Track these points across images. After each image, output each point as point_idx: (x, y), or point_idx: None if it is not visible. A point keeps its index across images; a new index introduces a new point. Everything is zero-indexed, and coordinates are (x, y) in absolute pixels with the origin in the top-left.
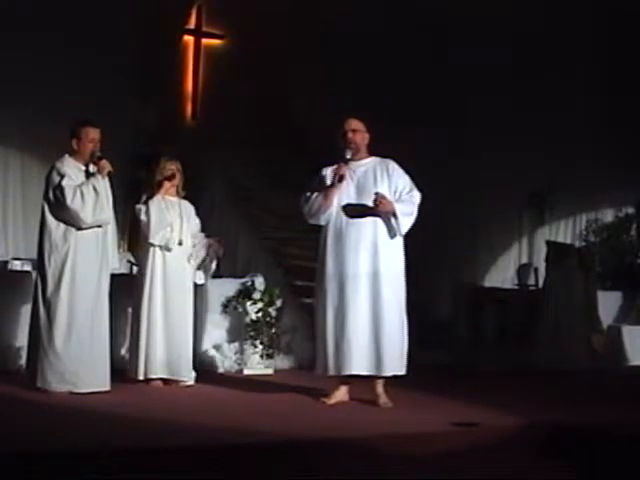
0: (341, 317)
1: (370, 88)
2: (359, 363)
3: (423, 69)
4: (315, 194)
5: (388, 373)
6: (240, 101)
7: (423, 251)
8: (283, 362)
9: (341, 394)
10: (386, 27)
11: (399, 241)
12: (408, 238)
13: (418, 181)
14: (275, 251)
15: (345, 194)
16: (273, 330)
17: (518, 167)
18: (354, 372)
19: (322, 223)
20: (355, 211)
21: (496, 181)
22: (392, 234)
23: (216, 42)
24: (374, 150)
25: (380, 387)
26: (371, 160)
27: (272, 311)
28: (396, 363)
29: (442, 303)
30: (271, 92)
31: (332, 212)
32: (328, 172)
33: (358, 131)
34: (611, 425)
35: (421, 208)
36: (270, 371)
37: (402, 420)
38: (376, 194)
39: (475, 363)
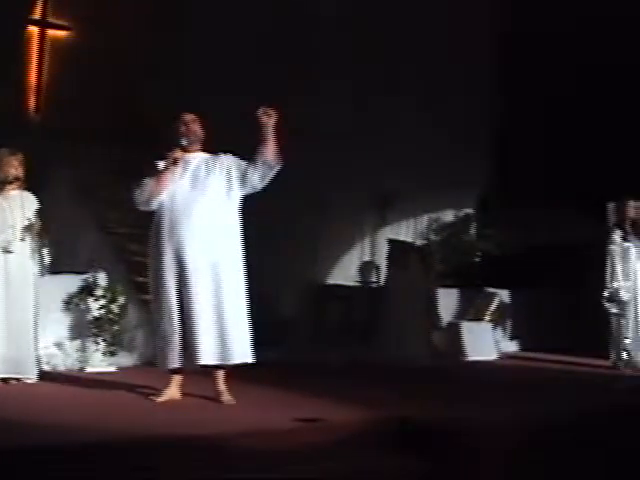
0: (184, 309)
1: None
2: (206, 353)
3: (267, 72)
4: (147, 180)
5: (236, 361)
6: (88, 96)
7: (267, 250)
8: (126, 359)
9: (172, 391)
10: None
11: (236, 231)
12: (251, 237)
13: None
14: (118, 247)
15: (179, 186)
16: (116, 327)
17: (361, 166)
18: (202, 362)
19: (153, 208)
20: None
21: (339, 180)
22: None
23: (63, 34)
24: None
25: (222, 384)
26: (204, 154)
27: (115, 308)
28: (242, 351)
29: (286, 302)
30: (121, 88)
31: (164, 200)
32: (161, 164)
33: (197, 122)
34: (453, 420)
35: (265, 207)
36: (113, 369)
37: (244, 417)
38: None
39: (317, 359)
